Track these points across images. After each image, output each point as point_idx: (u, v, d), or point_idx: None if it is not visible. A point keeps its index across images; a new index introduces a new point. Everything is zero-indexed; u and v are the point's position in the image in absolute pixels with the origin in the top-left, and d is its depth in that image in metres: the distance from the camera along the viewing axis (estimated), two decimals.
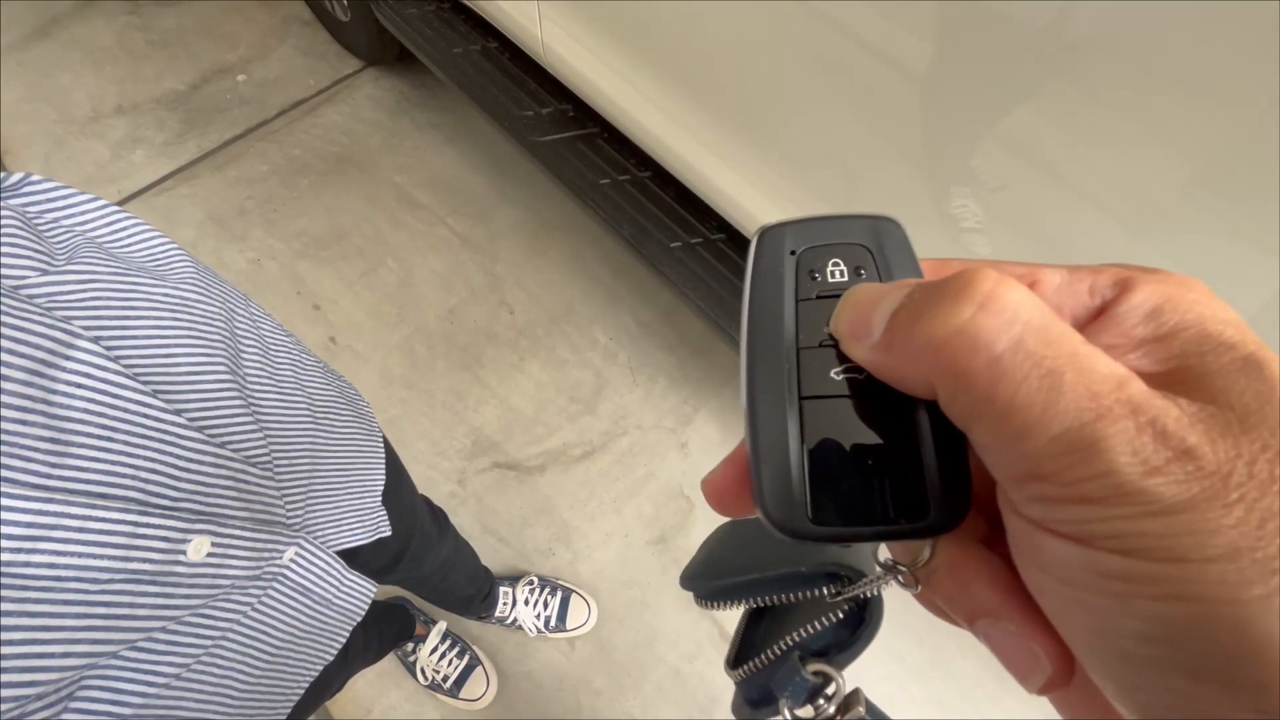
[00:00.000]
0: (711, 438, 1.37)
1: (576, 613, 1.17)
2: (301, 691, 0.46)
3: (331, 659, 0.48)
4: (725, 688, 1.16)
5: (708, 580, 0.25)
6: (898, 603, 0.24)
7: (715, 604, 0.25)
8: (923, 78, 0.68)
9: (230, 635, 0.38)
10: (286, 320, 1.48)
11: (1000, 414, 0.12)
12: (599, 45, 1.01)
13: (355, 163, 1.71)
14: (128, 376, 0.30)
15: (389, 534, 0.54)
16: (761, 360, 0.16)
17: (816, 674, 0.22)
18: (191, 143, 1.71)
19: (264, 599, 0.39)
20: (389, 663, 1.16)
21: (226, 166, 1.68)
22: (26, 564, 0.26)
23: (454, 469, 1.34)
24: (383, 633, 1.00)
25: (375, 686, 1.15)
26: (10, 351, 0.26)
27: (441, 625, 1.13)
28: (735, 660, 0.24)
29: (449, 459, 1.35)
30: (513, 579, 1.19)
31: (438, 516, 0.86)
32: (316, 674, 0.47)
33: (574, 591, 1.19)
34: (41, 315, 0.28)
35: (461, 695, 1.10)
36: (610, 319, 1.51)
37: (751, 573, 0.23)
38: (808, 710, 0.22)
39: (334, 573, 0.45)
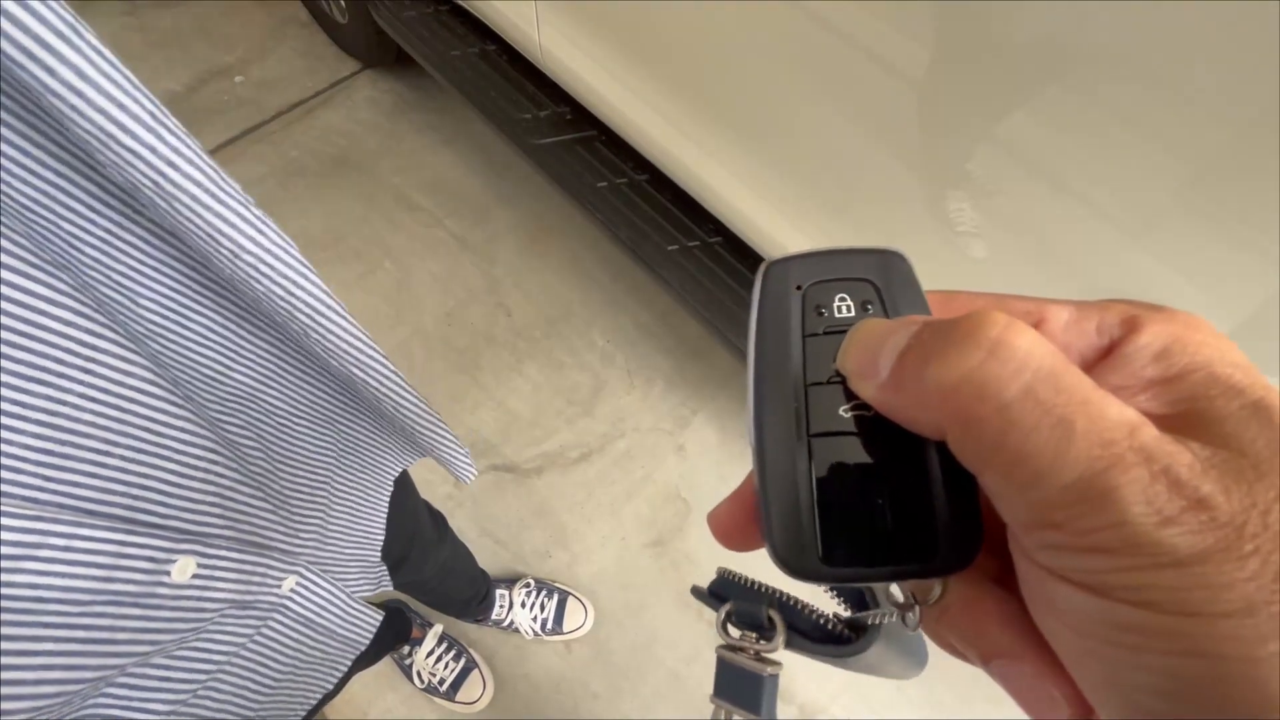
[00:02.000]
0: (709, 440, 1.37)
1: (573, 615, 1.17)
2: (301, 717, 0.45)
3: (331, 687, 0.47)
4: None
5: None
6: None
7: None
8: (919, 82, 0.68)
9: (228, 668, 0.36)
10: None
11: (1010, 462, 0.12)
12: (597, 49, 1.02)
13: (353, 165, 1.71)
14: (153, 374, 0.29)
15: (390, 587, 0.53)
16: (769, 397, 0.16)
17: (770, 622, 0.21)
18: None
19: (264, 629, 0.38)
20: (385, 665, 1.16)
21: (223, 168, 1.67)
22: (8, 584, 0.24)
23: None
24: (379, 636, 0.99)
25: (371, 689, 1.15)
26: (12, 345, 0.24)
27: (438, 628, 1.13)
28: (726, 575, 0.23)
29: None
30: (509, 581, 1.19)
31: (437, 520, 0.85)
32: (316, 701, 0.46)
33: (570, 594, 1.19)
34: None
35: (458, 698, 1.10)
36: (608, 321, 1.51)
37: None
38: (735, 632, 0.22)
39: (338, 603, 0.44)
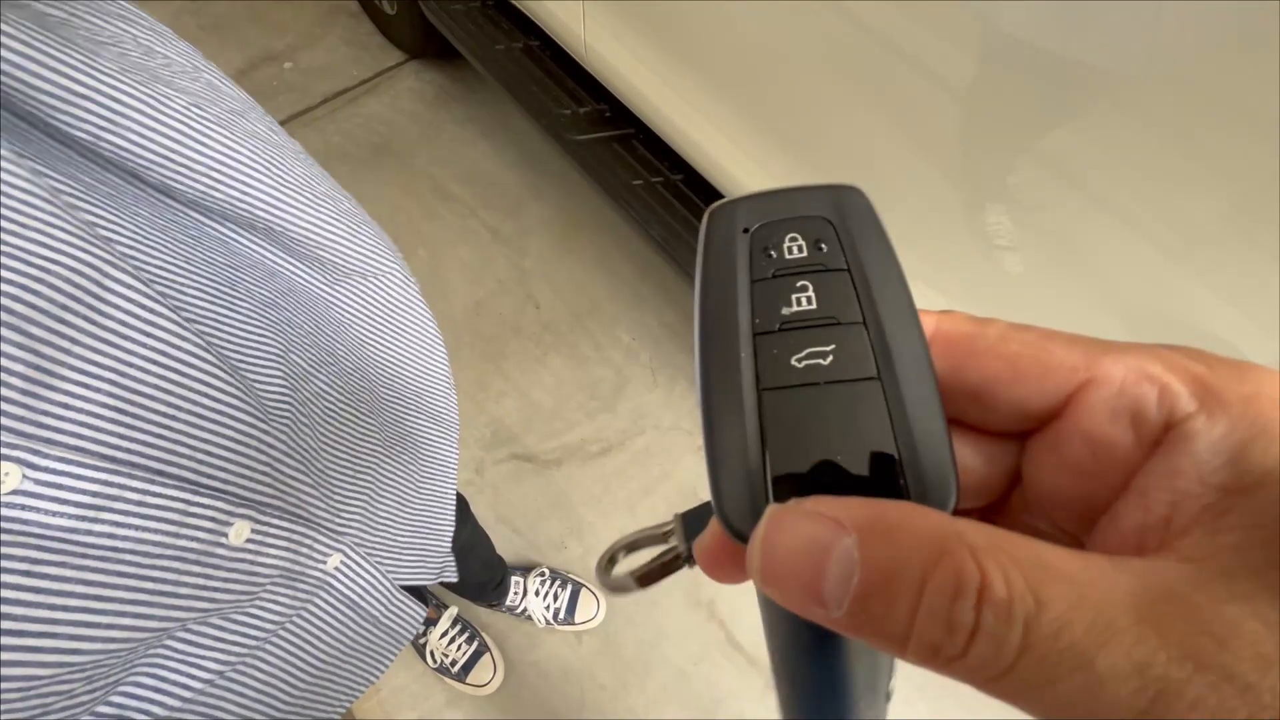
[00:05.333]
0: None
1: (585, 606, 1.19)
2: (343, 711, 0.45)
3: (377, 681, 0.47)
4: (730, 691, 1.16)
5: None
6: None
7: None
8: (964, 93, 0.68)
9: (276, 640, 0.37)
10: None
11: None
12: (642, 48, 1.03)
13: (393, 153, 1.74)
14: (202, 345, 0.30)
15: (454, 579, 0.53)
16: (715, 350, 0.14)
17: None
18: None
19: (310, 605, 0.39)
20: None
21: None
22: (89, 533, 0.26)
23: (472, 458, 1.35)
24: None
25: None
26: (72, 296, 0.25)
27: (452, 610, 1.15)
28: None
29: (468, 447, 1.36)
30: (524, 569, 1.21)
31: (459, 503, 0.87)
32: (359, 696, 0.46)
33: (584, 586, 1.21)
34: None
35: (469, 680, 1.12)
36: (634, 319, 1.52)
37: None
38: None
39: (383, 590, 0.44)
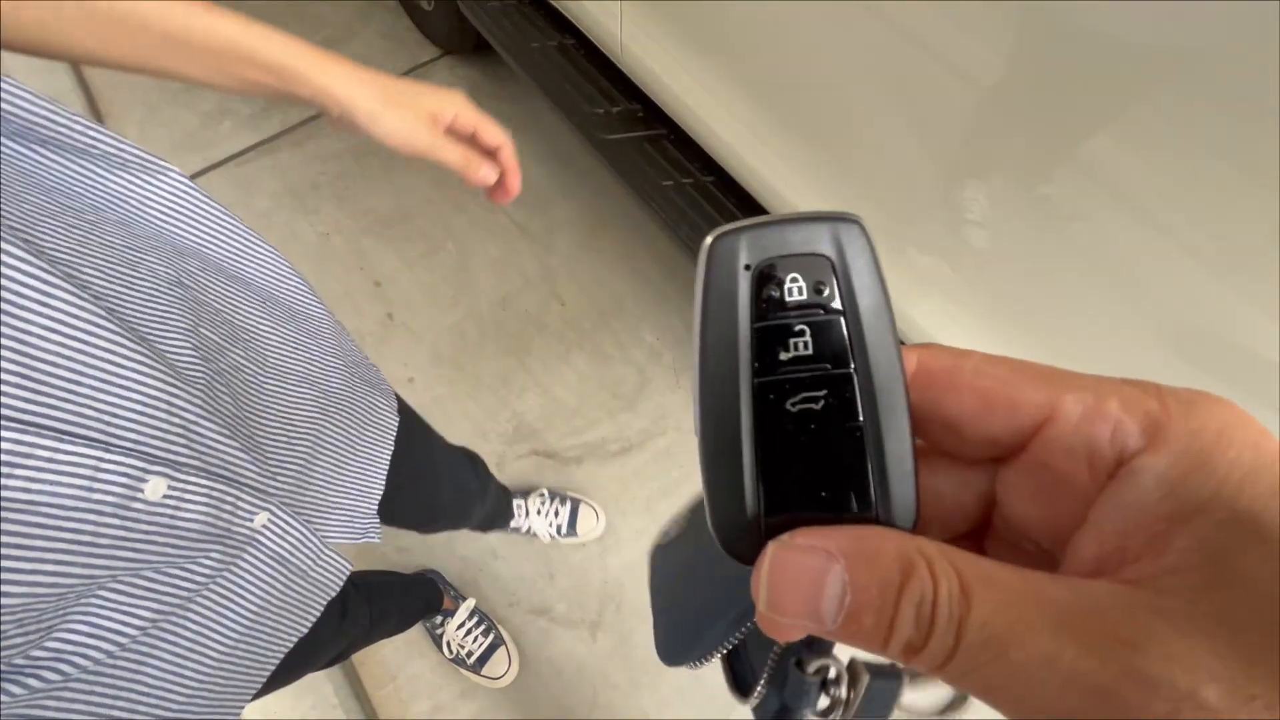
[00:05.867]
0: None
1: (586, 519, 1.24)
2: (275, 663, 0.47)
3: (305, 633, 0.49)
4: None
5: (693, 647, 0.25)
6: None
7: (708, 659, 0.25)
8: (999, 99, 0.67)
9: (206, 593, 0.39)
10: (347, 294, 1.54)
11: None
12: (678, 49, 1.03)
13: None
14: (102, 315, 0.32)
15: (378, 540, 0.56)
16: (715, 392, 0.15)
17: (816, 672, 0.22)
18: (275, 118, 1.79)
19: (239, 562, 0.40)
20: (417, 633, 1.19)
21: (305, 142, 1.76)
22: (5, 488, 0.28)
23: (494, 451, 1.37)
24: (404, 607, 1.03)
25: (402, 654, 1.19)
26: None
27: (470, 602, 1.16)
28: (741, 689, 0.24)
29: (489, 441, 1.38)
30: (524, 493, 1.26)
31: (478, 470, 0.88)
32: (290, 646, 0.48)
33: (582, 500, 1.27)
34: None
35: (484, 672, 1.13)
36: (658, 319, 1.52)
37: (728, 612, 0.24)
38: (824, 701, 0.23)
39: (310, 546, 0.46)
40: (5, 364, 0.28)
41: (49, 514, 0.30)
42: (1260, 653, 0.10)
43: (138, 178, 0.41)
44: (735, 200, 1.16)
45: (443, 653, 1.15)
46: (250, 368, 0.43)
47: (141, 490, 0.33)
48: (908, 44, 0.71)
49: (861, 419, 0.15)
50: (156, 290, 0.38)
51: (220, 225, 0.46)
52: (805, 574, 0.13)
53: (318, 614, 0.49)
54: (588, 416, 1.41)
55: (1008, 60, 0.65)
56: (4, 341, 0.28)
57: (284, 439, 0.45)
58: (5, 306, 0.29)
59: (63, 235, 0.35)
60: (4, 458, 0.28)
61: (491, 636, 1.15)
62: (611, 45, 1.18)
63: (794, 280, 0.15)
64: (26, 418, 0.29)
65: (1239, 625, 0.10)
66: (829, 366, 0.15)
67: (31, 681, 0.32)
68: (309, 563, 0.46)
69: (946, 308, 0.83)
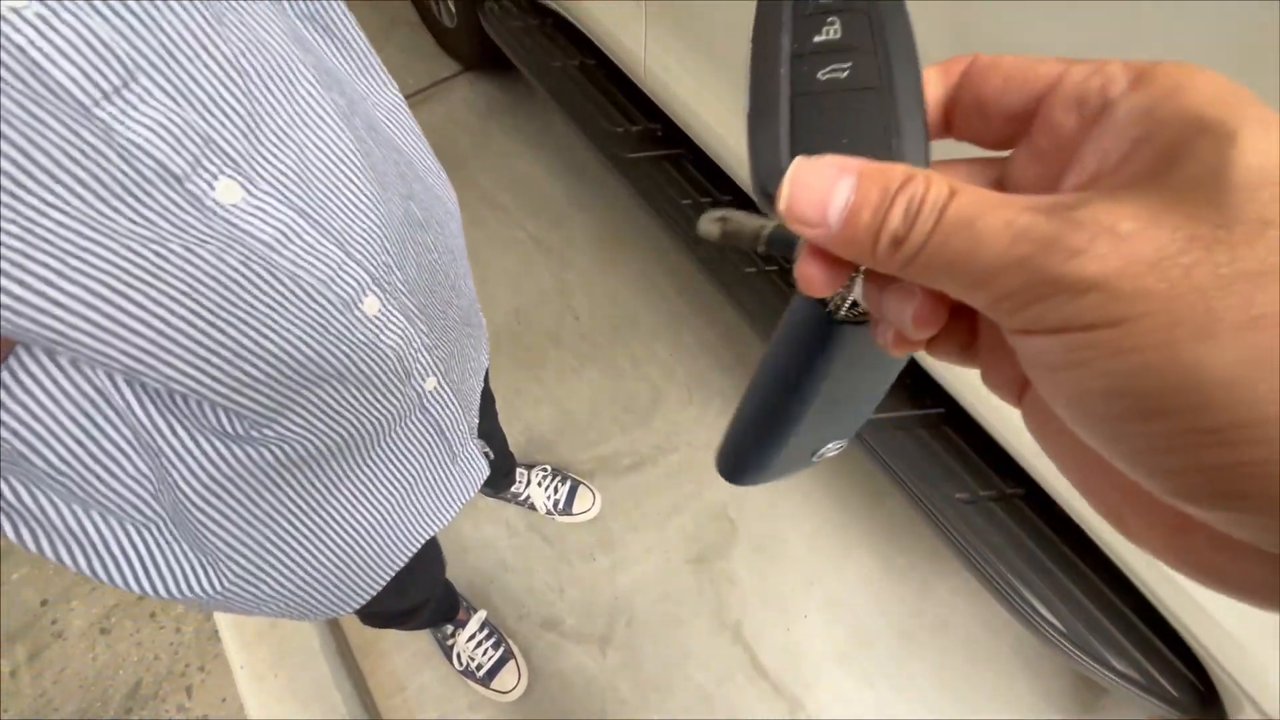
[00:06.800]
0: None
1: (582, 500, 1.29)
2: (415, 546, 0.52)
3: (443, 525, 0.54)
4: (752, 716, 1.15)
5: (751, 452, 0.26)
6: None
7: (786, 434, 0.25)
8: None
9: (379, 447, 0.44)
10: None
11: (960, 289, 0.14)
12: (702, 72, 1.05)
13: (444, 161, 1.75)
14: (352, 151, 0.37)
15: (491, 457, 0.61)
16: (761, 68, 0.18)
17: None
18: None
19: (408, 423, 0.45)
20: (426, 643, 1.19)
21: None
22: (279, 254, 0.32)
23: None
24: (446, 592, 1.04)
25: (411, 665, 1.18)
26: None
27: (481, 614, 1.16)
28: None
29: None
30: (528, 465, 1.30)
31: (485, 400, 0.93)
32: (426, 536, 0.53)
33: (581, 483, 1.31)
34: None
35: (493, 685, 1.13)
36: (671, 335, 1.53)
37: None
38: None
39: (462, 426, 0.51)
40: (291, 159, 0.33)
41: (300, 290, 0.33)
42: (1180, 203, 0.12)
43: (378, 79, 0.46)
44: None
45: (452, 664, 1.15)
46: (433, 255, 0.48)
47: (362, 303, 0.36)
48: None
49: (881, 85, 0.17)
50: (384, 157, 0.43)
51: (419, 145, 0.50)
52: (821, 179, 0.15)
53: (454, 511, 0.54)
54: (600, 430, 1.42)
55: None
56: (293, 137, 0.33)
57: (442, 326, 0.49)
58: (298, 110, 0.34)
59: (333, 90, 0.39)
60: (283, 229, 0.32)
61: (501, 650, 1.14)
62: (635, 68, 1.20)
63: (831, 23, 0.18)
64: (301, 205, 0.33)
65: (1169, 187, 0.12)
66: (854, 46, 0.18)
67: (266, 453, 0.37)
68: (458, 444, 0.51)
69: None
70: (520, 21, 1.50)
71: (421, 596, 0.85)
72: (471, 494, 0.55)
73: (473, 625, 1.14)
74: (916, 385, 1.01)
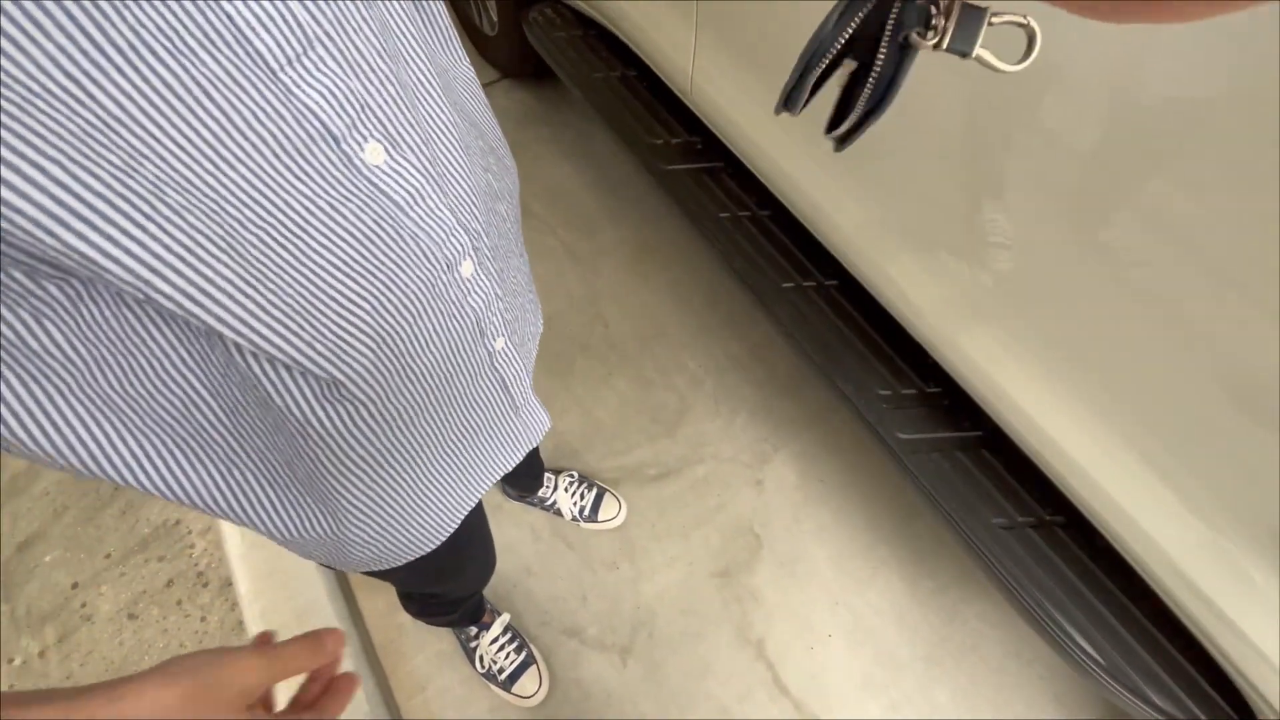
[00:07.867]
0: (788, 480, 1.37)
1: (608, 507, 1.30)
2: (476, 496, 0.55)
3: (505, 471, 0.57)
4: None
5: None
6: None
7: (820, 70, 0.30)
8: (1071, 147, 0.68)
9: (455, 403, 0.46)
10: None
11: None
12: (750, 88, 1.06)
13: None
14: (449, 106, 0.39)
15: (549, 424, 0.63)
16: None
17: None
18: None
19: (478, 380, 0.47)
20: (448, 645, 1.19)
21: None
22: (407, 217, 0.34)
23: None
24: (461, 603, 1.04)
25: (433, 665, 1.19)
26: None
27: (505, 617, 1.16)
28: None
29: None
30: (555, 471, 1.32)
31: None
32: (487, 486, 0.56)
33: (608, 490, 1.33)
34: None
35: (514, 690, 1.12)
36: (700, 347, 1.53)
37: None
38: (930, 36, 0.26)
39: (524, 381, 0.53)
40: (418, 127, 0.34)
41: (417, 252, 0.36)
42: None
43: (457, 52, 0.47)
44: (791, 236, 1.18)
45: (474, 666, 1.15)
46: (507, 224, 0.50)
47: (460, 266, 0.39)
48: (977, 95, 0.73)
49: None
50: (468, 129, 0.44)
51: (490, 118, 0.52)
52: None
53: (515, 460, 0.57)
54: (627, 440, 1.42)
55: (1076, 109, 0.66)
56: (420, 112, 0.35)
57: (511, 291, 0.51)
58: (419, 87, 0.36)
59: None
60: (411, 193, 0.34)
61: (524, 654, 1.14)
62: (681, 82, 1.22)
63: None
64: (427, 168, 0.35)
65: None
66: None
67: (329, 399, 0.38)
68: (520, 399, 0.53)
69: (1004, 340, 0.84)
70: (564, 32, 1.52)
71: (473, 586, 0.87)
72: (536, 442, 0.58)
73: (496, 628, 1.14)
74: (954, 406, 1.00)
